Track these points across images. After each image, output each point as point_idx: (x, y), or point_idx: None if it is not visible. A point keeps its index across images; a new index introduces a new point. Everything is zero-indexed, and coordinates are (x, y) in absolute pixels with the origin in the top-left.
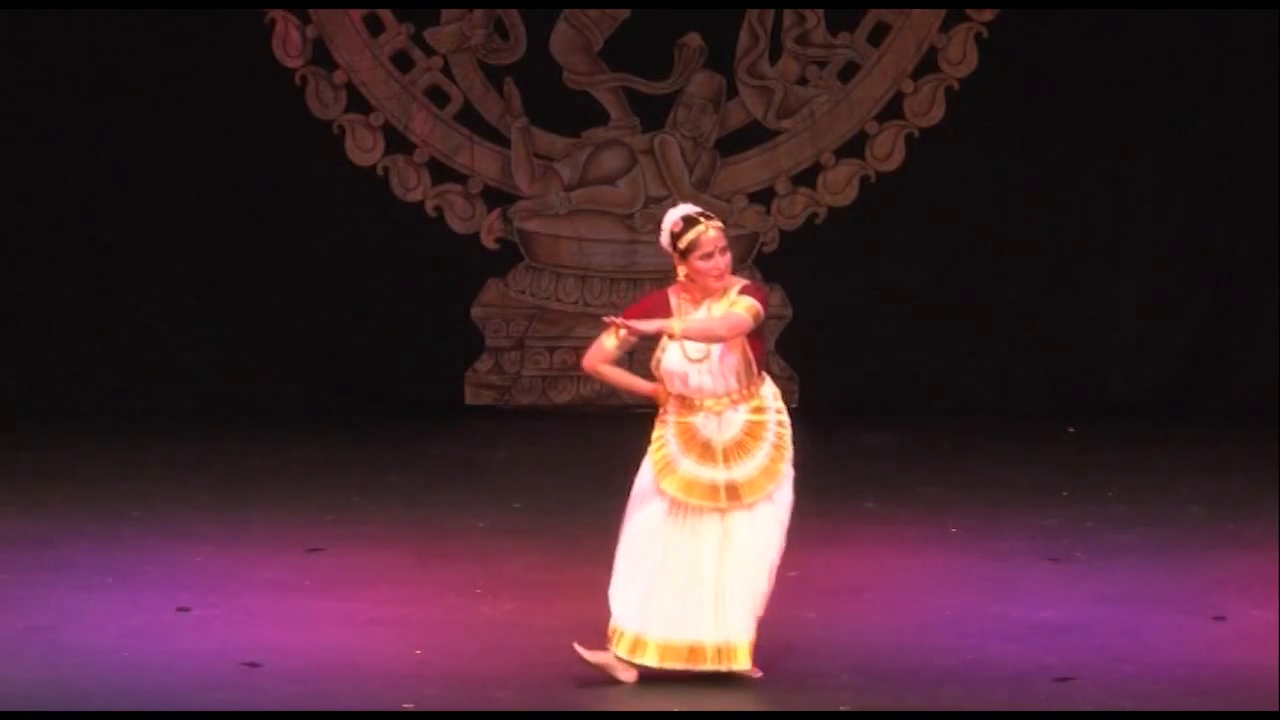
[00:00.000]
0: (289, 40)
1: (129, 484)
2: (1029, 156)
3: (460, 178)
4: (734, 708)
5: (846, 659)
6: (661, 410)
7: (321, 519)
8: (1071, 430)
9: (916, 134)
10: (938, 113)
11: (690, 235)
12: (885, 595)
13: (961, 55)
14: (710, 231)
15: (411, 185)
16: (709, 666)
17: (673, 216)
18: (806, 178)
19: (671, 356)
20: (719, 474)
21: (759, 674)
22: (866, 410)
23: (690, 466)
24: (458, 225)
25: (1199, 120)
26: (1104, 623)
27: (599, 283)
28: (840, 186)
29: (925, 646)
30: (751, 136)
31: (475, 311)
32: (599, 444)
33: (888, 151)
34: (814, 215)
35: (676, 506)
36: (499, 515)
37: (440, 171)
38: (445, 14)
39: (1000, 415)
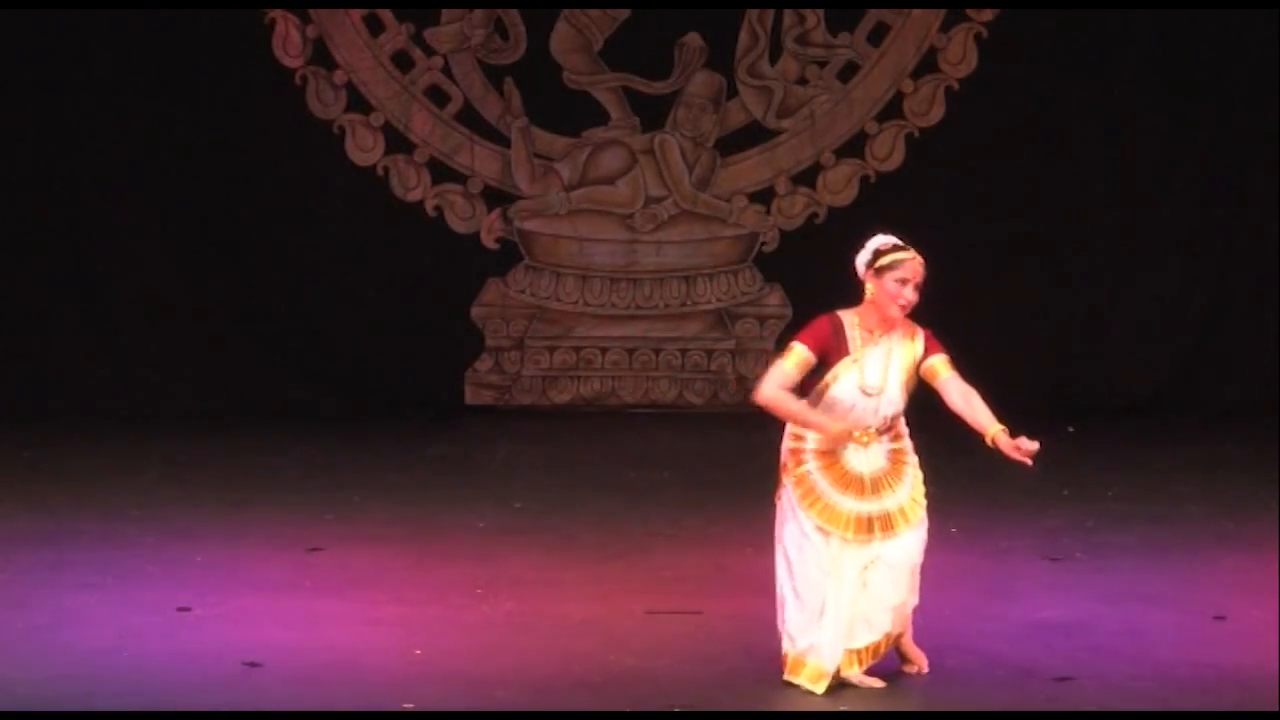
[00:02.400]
0: (289, 40)
1: (129, 483)
2: (1028, 156)
3: (460, 177)
4: (734, 707)
5: None
6: (796, 429)
7: (322, 518)
8: (1071, 430)
9: (916, 134)
10: (937, 113)
11: (897, 255)
12: None
13: (961, 55)
14: (916, 261)
15: (412, 185)
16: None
17: (879, 240)
18: (806, 177)
19: (845, 386)
20: (872, 506)
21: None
22: None
23: (845, 501)
24: (458, 225)
25: (1199, 120)
26: (1104, 622)
27: (599, 282)
28: (840, 186)
29: (925, 645)
30: (751, 136)
31: (475, 311)
32: (599, 444)
33: (888, 151)
34: (814, 215)
35: (834, 538)
36: (499, 515)
37: (440, 171)
38: (445, 14)
39: (1000, 414)
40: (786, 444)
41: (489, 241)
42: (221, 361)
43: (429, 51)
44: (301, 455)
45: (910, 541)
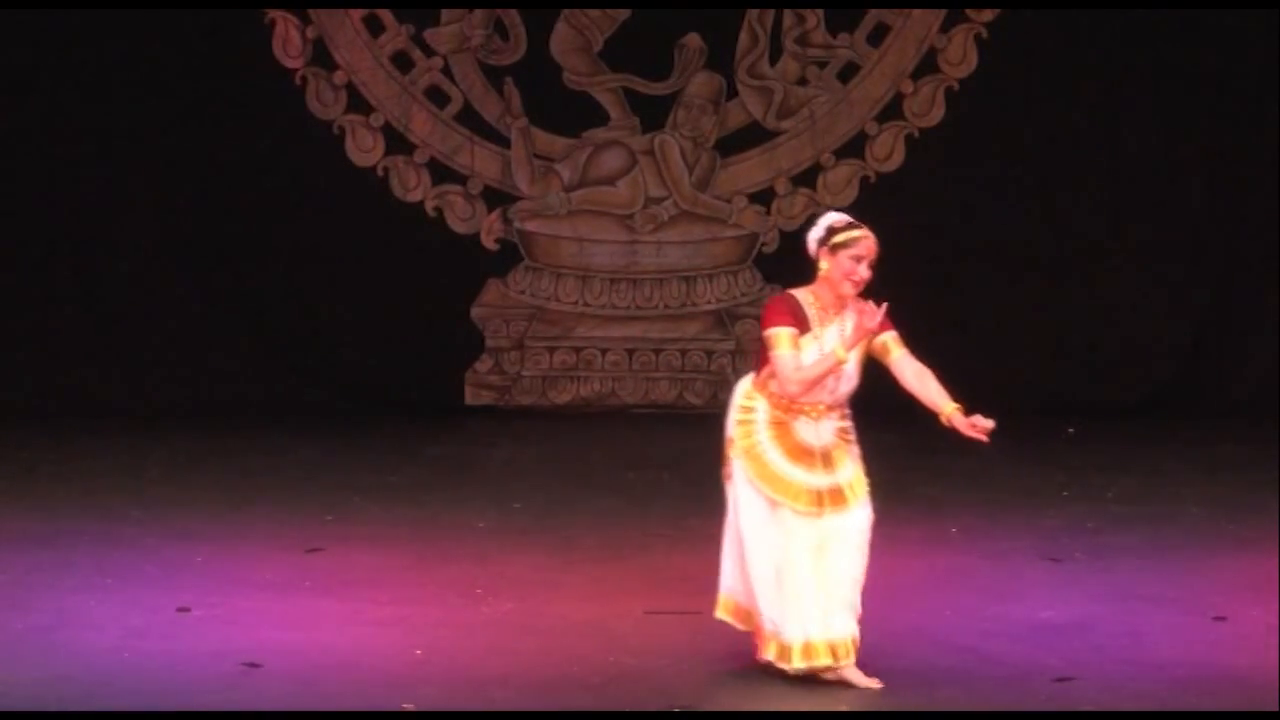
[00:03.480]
0: (289, 41)
1: (129, 484)
2: (1028, 156)
3: (460, 178)
4: (734, 707)
5: None
6: (746, 402)
7: (321, 519)
8: (1071, 430)
9: (916, 134)
10: (937, 113)
11: (851, 233)
12: (885, 595)
13: (961, 56)
14: (871, 240)
15: (411, 185)
16: (832, 662)
17: (832, 216)
18: (806, 178)
19: (811, 357)
20: (823, 480)
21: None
22: (866, 410)
23: (797, 472)
24: (458, 225)
25: (1199, 119)
26: (1104, 623)
27: (599, 283)
28: (840, 187)
29: (925, 646)
30: (751, 137)
31: (475, 312)
32: (599, 444)
33: (887, 152)
34: (814, 216)
35: (782, 507)
36: (499, 515)
37: (440, 172)
38: (445, 14)
39: (1000, 415)
40: (734, 417)
41: (489, 242)
42: (221, 362)
43: (429, 52)
44: (301, 456)
45: (861, 517)
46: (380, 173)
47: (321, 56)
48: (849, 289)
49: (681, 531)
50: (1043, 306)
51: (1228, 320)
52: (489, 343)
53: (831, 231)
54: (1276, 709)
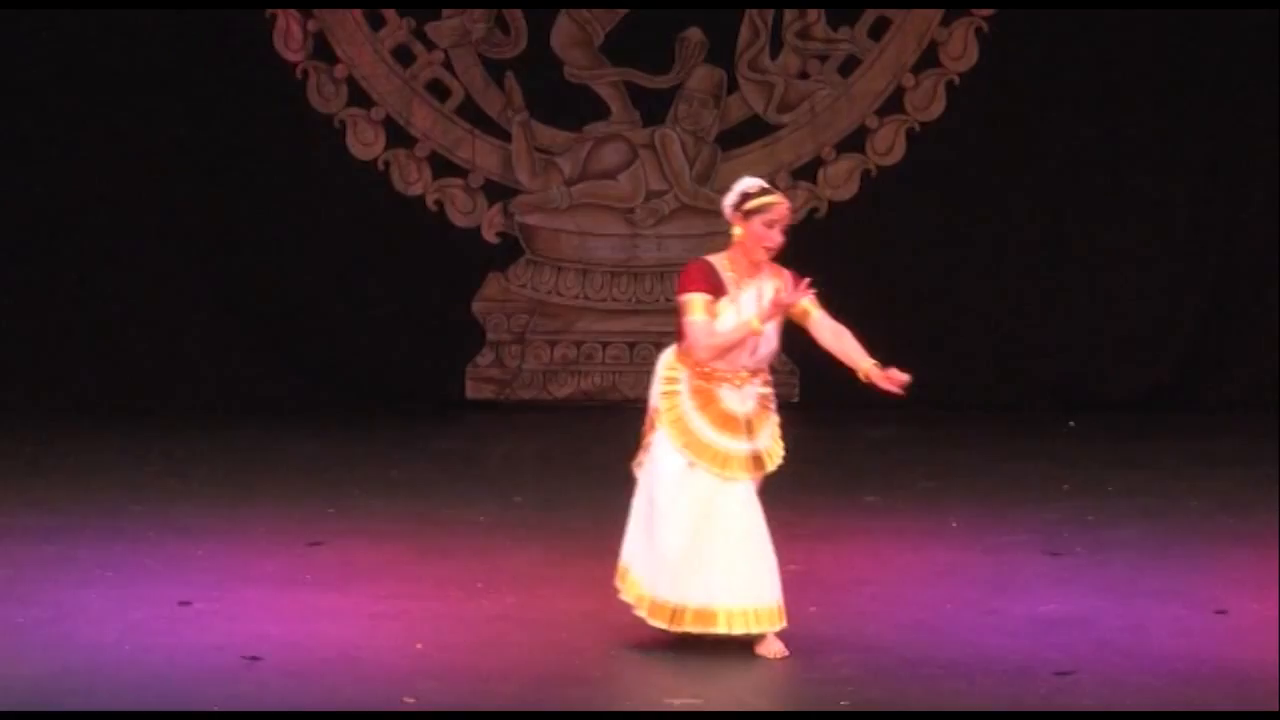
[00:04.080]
0: (290, 35)
1: (130, 479)
2: (1029, 151)
3: (461, 172)
4: (733, 706)
5: (847, 653)
6: (668, 373)
7: (322, 513)
8: (1072, 425)
9: (917, 128)
10: (938, 107)
11: (766, 199)
12: (886, 589)
13: (962, 50)
14: (784, 205)
15: (412, 179)
16: (757, 630)
17: (747, 182)
18: (807, 172)
19: (728, 321)
20: (745, 445)
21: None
22: (867, 404)
23: (722, 440)
24: (459, 219)
25: (1199, 115)
26: (1104, 617)
27: (600, 277)
28: (841, 181)
29: (926, 640)
30: (752, 131)
31: (476, 306)
32: (599, 438)
33: (888, 146)
34: (815, 209)
35: (708, 474)
36: (500, 509)
37: (441, 165)
38: (446, 9)
39: (1001, 410)
40: (659, 388)
41: (490, 236)
42: (222, 356)
43: (430, 46)
44: (302, 450)
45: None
46: (381, 166)
47: (322, 51)
48: (762, 254)
49: None
50: (1043, 301)
51: (1227, 315)
52: (490, 336)
53: (745, 197)
54: (1277, 703)
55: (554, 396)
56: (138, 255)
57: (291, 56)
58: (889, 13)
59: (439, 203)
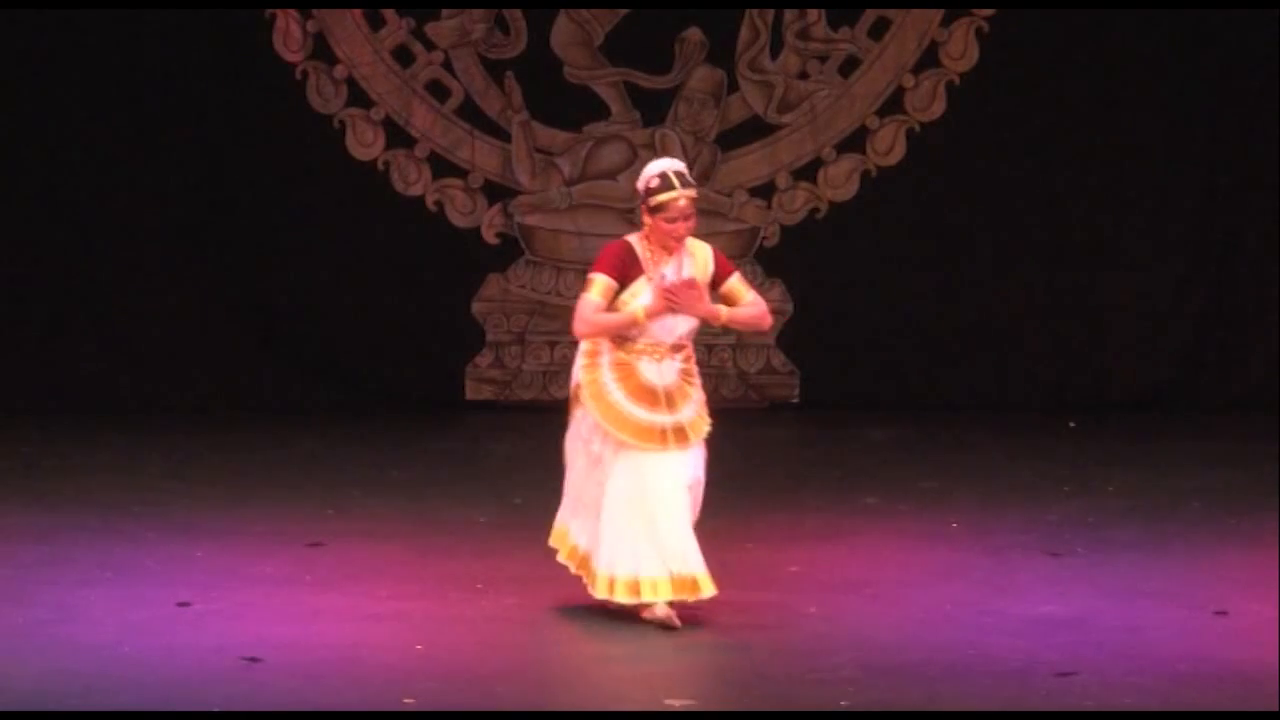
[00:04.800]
0: (289, 35)
1: (129, 479)
2: (1029, 151)
3: (461, 172)
4: (732, 706)
5: (847, 654)
6: (590, 347)
7: (322, 514)
8: (1072, 425)
9: (917, 129)
10: (938, 107)
11: (664, 197)
12: (886, 590)
13: (962, 50)
14: (681, 201)
15: (412, 180)
16: (681, 598)
17: (651, 170)
18: (807, 172)
19: (646, 298)
20: (664, 418)
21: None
22: (867, 405)
23: (639, 412)
24: (458, 220)
25: (1200, 114)
26: (1104, 618)
27: None
28: (841, 181)
29: (926, 641)
30: (752, 131)
31: (476, 306)
32: None
33: (888, 146)
34: (815, 210)
35: (626, 448)
36: (500, 510)
37: (441, 166)
38: (445, 9)
39: (1001, 410)
40: (580, 363)
41: (490, 236)
42: (222, 356)
43: (429, 46)
44: (302, 450)
45: (697, 456)
46: (381, 167)
47: (322, 51)
48: (672, 245)
49: None
50: (1043, 301)
51: (1228, 316)
52: (489, 337)
53: (648, 192)
54: (1277, 704)
55: (554, 397)
56: (137, 255)
57: (291, 56)
58: (889, 13)
59: (439, 203)
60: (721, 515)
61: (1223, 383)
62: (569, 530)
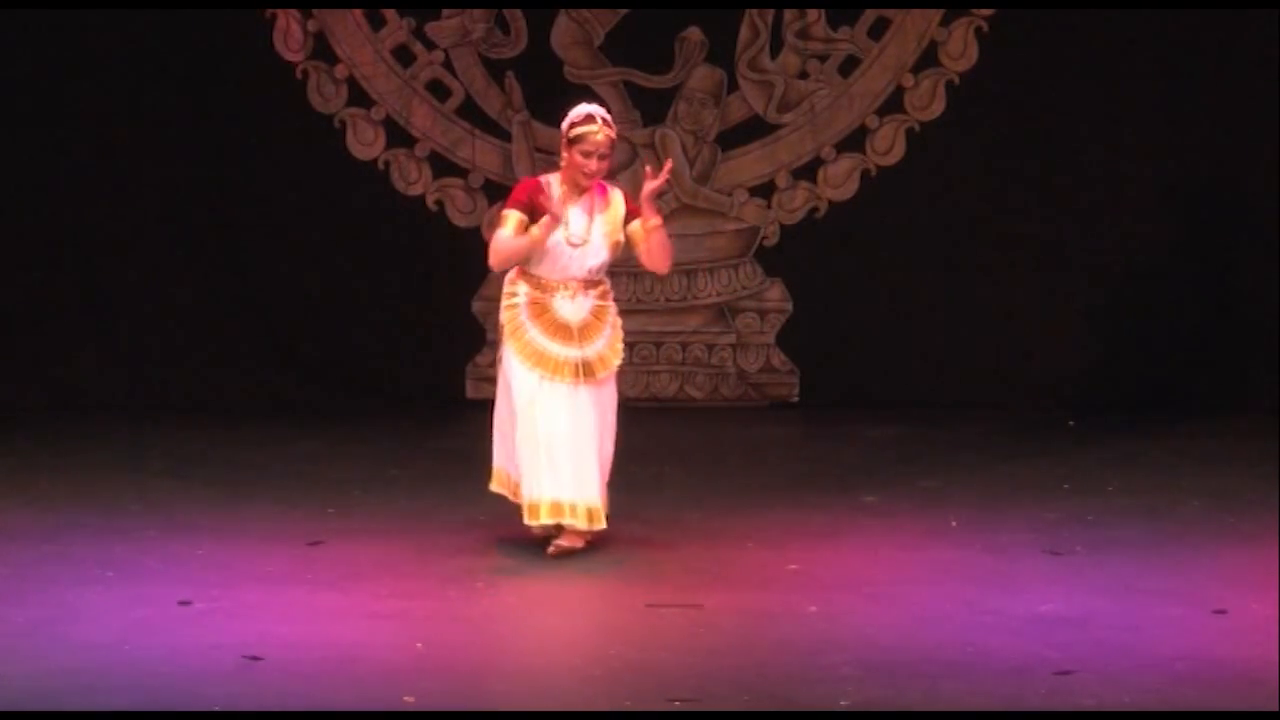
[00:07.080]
0: (290, 34)
1: (129, 478)
2: (1029, 151)
3: (461, 172)
4: (733, 706)
5: (847, 653)
6: (510, 288)
7: (322, 512)
8: (1072, 424)
9: (917, 128)
10: (938, 107)
11: (582, 129)
12: (885, 589)
13: (962, 50)
14: (600, 135)
15: (413, 179)
16: (585, 526)
17: (581, 109)
18: (807, 172)
19: (552, 237)
20: (574, 352)
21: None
22: (867, 403)
23: (554, 347)
24: (459, 219)
25: (1200, 114)
26: (1104, 616)
27: None
28: (841, 180)
29: (925, 640)
30: (752, 131)
31: (476, 305)
32: None
33: (888, 146)
34: (814, 209)
35: (544, 379)
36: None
37: (441, 165)
38: (446, 9)
39: (1001, 408)
40: (503, 303)
41: (490, 235)
42: (221, 355)
43: (430, 46)
44: (302, 449)
45: (608, 390)
46: (381, 166)
47: (322, 50)
48: (583, 180)
49: (681, 524)
50: (1043, 301)
51: (1228, 316)
52: (490, 336)
53: (570, 125)
54: (1277, 703)
55: None
56: (137, 255)
57: (291, 56)
58: (889, 13)
59: (439, 203)
60: (721, 515)
61: (1223, 383)
62: (505, 468)
